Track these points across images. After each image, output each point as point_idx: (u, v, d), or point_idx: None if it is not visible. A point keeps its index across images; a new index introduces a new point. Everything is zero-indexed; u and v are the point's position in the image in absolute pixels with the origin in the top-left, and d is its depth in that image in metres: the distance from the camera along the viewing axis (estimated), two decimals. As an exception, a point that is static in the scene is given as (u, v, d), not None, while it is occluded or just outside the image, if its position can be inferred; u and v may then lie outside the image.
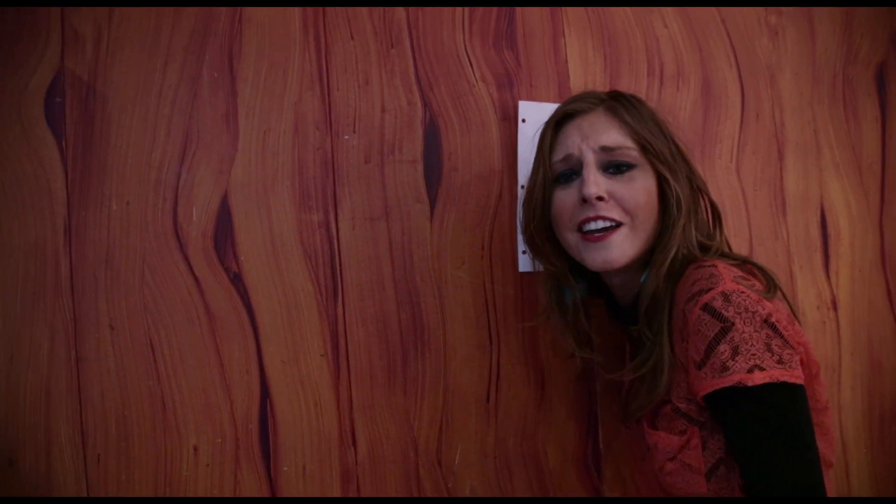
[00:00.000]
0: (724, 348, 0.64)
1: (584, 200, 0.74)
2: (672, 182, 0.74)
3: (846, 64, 1.04)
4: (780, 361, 0.64)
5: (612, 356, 0.91)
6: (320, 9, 0.87)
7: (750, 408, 0.64)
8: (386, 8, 0.89)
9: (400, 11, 0.89)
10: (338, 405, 0.85)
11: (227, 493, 0.84)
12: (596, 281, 0.83)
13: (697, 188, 0.79)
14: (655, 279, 0.73)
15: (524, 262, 0.89)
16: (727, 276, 0.68)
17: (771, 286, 0.71)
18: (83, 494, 0.79)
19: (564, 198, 0.77)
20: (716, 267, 0.70)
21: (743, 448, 0.65)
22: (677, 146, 0.78)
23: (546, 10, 0.93)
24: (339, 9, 0.88)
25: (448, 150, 0.88)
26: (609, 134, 0.75)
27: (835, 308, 1.02)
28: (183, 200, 0.84)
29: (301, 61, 0.87)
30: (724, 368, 0.64)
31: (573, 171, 0.77)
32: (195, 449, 0.83)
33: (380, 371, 0.86)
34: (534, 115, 0.89)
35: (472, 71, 0.90)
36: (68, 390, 0.81)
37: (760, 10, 1.01)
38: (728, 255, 0.77)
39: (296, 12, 0.87)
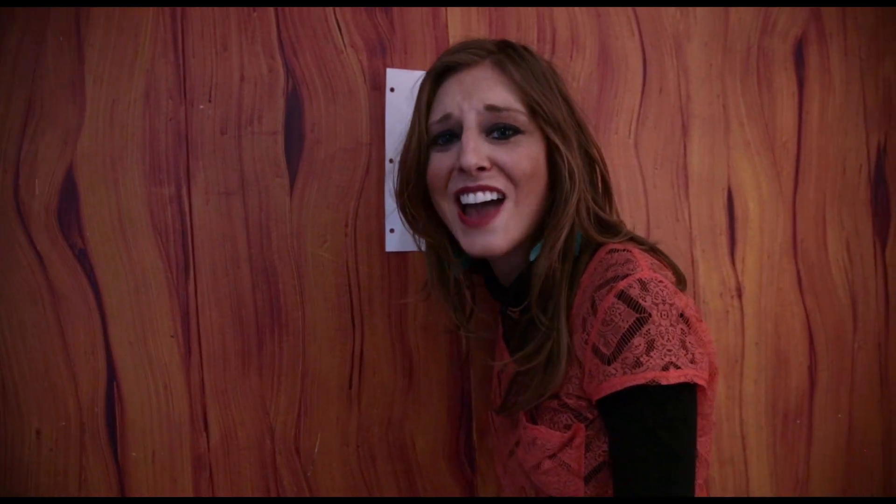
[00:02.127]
0: (638, 341, 0.67)
1: (463, 170, 0.78)
2: (564, 150, 0.78)
3: (762, 35, 1.12)
4: (692, 361, 0.68)
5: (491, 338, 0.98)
6: None
7: (655, 408, 0.66)
8: (248, -32, 0.94)
9: None
10: (189, 389, 0.93)
11: (73, 480, 0.94)
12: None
13: (592, 158, 0.83)
14: (548, 260, 0.78)
15: (392, 242, 0.95)
16: (644, 263, 0.72)
17: (681, 278, 0.79)
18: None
19: (440, 163, 0.81)
20: (631, 252, 0.75)
21: (631, 449, 0.68)
22: (571, 108, 0.82)
23: (426, -29, 0.98)
24: (196, -32, 0.93)
25: (311, 121, 0.96)
26: (495, 91, 0.78)
27: (739, 296, 1.09)
28: (25, 173, 0.92)
29: (154, 25, 0.94)
30: (637, 364, 0.66)
31: (452, 134, 0.81)
32: (37, 433, 0.91)
33: (233, 354, 0.93)
34: (403, 84, 0.97)
35: (341, 36, 0.96)
36: None
37: (668, -25, 1.07)
38: (638, 240, 0.82)
39: None
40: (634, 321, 0.67)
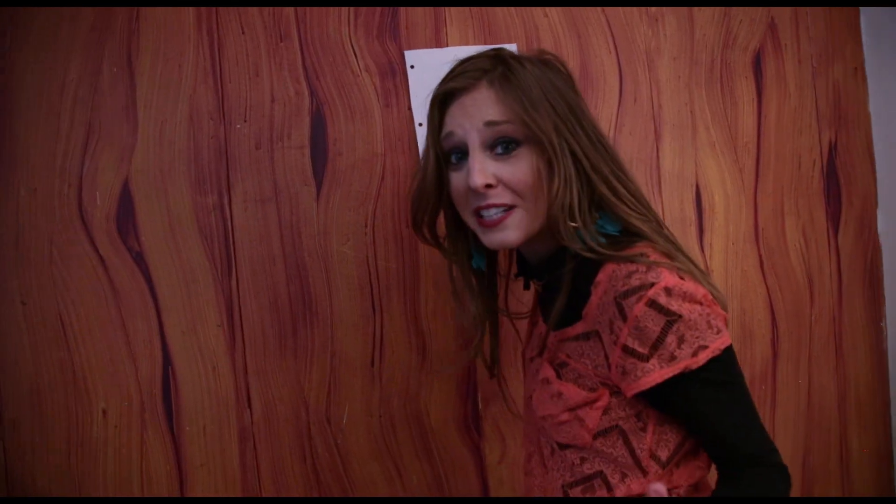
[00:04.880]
0: (671, 339, 0.80)
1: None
2: (553, 159, 0.87)
3: (724, 49, 1.35)
4: (718, 331, 0.83)
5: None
6: (213, 7, 1.13)
7: (701, 385, 0.82)
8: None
9: (289, 8, 1.15)
10: (234, 370, 1.14)
11: (135, 452, 1.15)
12: None
13: (577, 159, 0.89)
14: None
15: None
16: (665, 271, 0.83)
17: (700, 272, 0.90)
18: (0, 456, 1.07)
19: (458, 182, 0.93)
20: (649, 257, 0.85)
21: (708, 421, 0.84)
22: (571, 112, 0.90)
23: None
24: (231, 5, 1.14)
25: (333, 136, 1.17)
26: (493, 109, 0.89)
27: (708, 279, 1.32)
28: (87, 187, 1.12)
29: (195, 55, 1.15)
30: (672, 358, 0.81)
31: (461, 152, 0.93)
32: (104, 412, 1.12)
33: (272, 339, 1.15)
34: (420, 61, 1.29)
35: (357, 61, 1.18)
36: (-17, 361, 1.08)
37: (641, -3, 1.30)
38: (654, 238, 0.90)
39: (190, 10, 1.21)
40: (665, 323, 0.80)
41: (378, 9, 1.26)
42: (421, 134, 1.26)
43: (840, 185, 1.51)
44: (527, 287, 1.06)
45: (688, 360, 0.80)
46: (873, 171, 1.53)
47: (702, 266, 0.91)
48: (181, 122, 1.21)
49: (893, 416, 1.53)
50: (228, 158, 1.22)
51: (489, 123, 0.89)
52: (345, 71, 1.26)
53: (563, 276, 0.92)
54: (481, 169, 0.88)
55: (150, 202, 1.19)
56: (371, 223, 1.26)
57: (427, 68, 1.27)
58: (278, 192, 1.23)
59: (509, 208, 0.90)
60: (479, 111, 0.89)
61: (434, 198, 0.97)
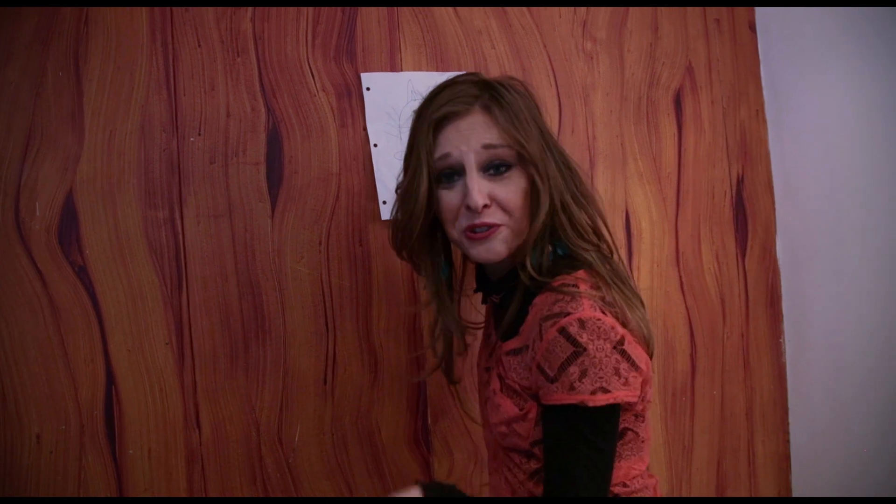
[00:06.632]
0: (573, 370, 0.85)
1: (469, 208, 0.94)
2: (540, 185, 0.95)
3: (650, 88, 1.48)
4: (626, 383, 0.87)
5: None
6: (168, 14, 1.15)
7: (584, 420, 0.86)
8: (232, 16, 1.19)
9: (246, 22, 1.19)
10: (182, 390, 1.13)
11: (72, 479, 1.10)
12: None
13: (552, 186, 0.96)
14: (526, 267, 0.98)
15: (386, 211, 1.29)
16: (587, 303, 0.89)
17: (634, 302, 0.96)
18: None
19: (450, 200, 0.98)
20: (578, 287, 0.92)
21: (562, 451, 0.87)
22: (545, 139, 0.98)
23: (385, 27, 1.27)
24: (186, 16, 1.15)
25: (289, 153, 1.19)
26: (490, 133, 0.95)
27: (636, 298, 1.43)
28: (25, 196, 1.08)
29: (148, 65, 1.14)
30: (572, 388, 0.85)
31: (454, 172, 0.97)
32: (38, 437, 1.08)
33: (223, 357, 1.15)
34: (376, 84, 1.33)
35: (314, 81, 1.21)
36: None
37: (578, 37, 1.43)
38: (596, 265, 0.96)
39: (143, 16, 1.19)
40: (571, 353, 0.85)
41: (335, 31, 1.30)
42: (377, 154, 1.30)
43: (746, 214, 1.69)
44: (485, 301, 1.12)
45: (585, 396, 0.84)
46: (773, 203, 1.73)
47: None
48: (132, 132, 1.17)
49: (792, 423, 1.72)
50: (181, 172, 1.20)
51: (487, 146, 0.94)
52: (302, 90, 1.27)
53: (515, 293, 0.99)
54: (480, 189, 0.94)
55: (95, 214, 1.15)
56: (325, 241, 1.27)
57: (382, 91, 1.31)
58: (232, 208, 1.22)
59: (496, 226, 0.95)
60: (476, 134, 0.95)
61: (423, 217, 0.99)
